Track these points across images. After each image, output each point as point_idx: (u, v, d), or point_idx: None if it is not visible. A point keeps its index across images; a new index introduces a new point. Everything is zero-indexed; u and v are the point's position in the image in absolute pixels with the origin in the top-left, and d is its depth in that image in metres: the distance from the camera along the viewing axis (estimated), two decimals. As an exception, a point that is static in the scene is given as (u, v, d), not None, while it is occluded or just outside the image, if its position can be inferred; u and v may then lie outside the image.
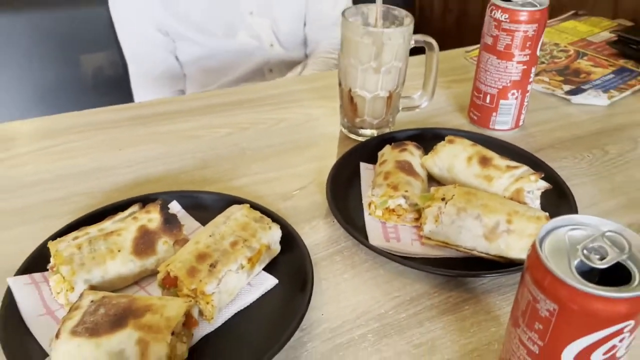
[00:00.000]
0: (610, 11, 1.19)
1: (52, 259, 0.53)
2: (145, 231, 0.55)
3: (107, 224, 0.56)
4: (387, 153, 0.68)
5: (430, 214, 0.58)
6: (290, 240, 0.58)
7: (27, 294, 0.51)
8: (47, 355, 0.47)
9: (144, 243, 0.55)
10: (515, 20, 0.71)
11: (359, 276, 0.58)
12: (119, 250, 0.54)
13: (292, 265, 0.56)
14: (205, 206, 0.63)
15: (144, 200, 0.60)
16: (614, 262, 0.35)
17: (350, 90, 0.74)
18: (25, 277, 0.53)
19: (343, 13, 0.72)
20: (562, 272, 0.34)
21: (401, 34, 0.70)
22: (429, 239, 0.59)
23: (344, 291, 0.56)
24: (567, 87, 0.89)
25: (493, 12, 0.72)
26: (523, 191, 0.62)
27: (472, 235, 0.57)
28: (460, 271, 0.57)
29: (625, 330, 0.34)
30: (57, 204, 0.64)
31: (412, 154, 0.68)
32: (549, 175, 0.65)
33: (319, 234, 0.62)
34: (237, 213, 0.58)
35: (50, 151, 0.76)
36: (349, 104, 0.75)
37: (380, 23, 0.72)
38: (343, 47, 0.73)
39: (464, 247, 0.57)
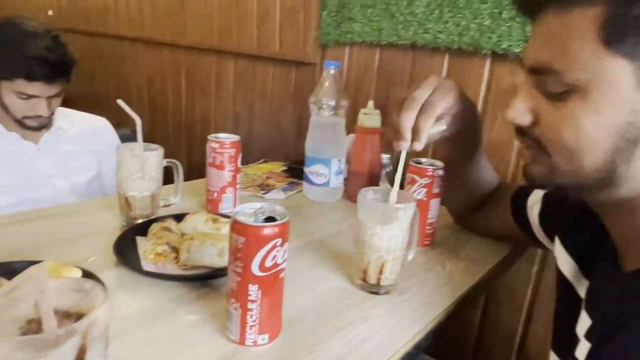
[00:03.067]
0: (283, 159, 1.51)
1: None
2: (-32, 284, 0.54)
3: None
4: (154, 225, 0.77)
5: (184, 247, 0.69)
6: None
7: None
8: None
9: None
10: (223, 147, 0.90)
11: (140, 293, 0.63)
12: None
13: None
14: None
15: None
16: (268, 215, 0.52)
17: (125, 194, 0.83)
18: None
19: (118, 147, 0.82)
20: (244, 220, 0.49)
21: (156, 155, 0.83)
22: (186, 265, 0.69)
23: (132, 307, 0.62)
24: (263, 191, 1.12)
25: (210, 144, 0.91)
26: (238, 231, 0.77)
27: (211, 256, 0.68)
28: (205, 274, 0.67)
29: (277, 244, 0.49)
30: None
31: (171, 223, 0.78)
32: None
33: (111, 277, 0.66)
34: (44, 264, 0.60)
35: None
36: (125, 203, 0.83)
37: (142, 150, 0.84)
38: (119, 166, 0.82)
39: (209, 264, 0.68)
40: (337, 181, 1.08)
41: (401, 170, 0.66)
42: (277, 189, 1.14)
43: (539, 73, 0.48)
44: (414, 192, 0.81)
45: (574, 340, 0.52)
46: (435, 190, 0.82)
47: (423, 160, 0.84)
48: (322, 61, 1.40)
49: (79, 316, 0.36)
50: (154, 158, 0.83)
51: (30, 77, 1.06)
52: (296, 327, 0.59)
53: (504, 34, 1.03)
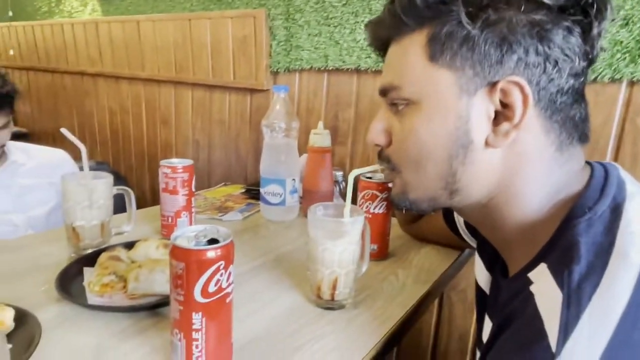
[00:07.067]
0: (242, 182, 1.44)
1: None
2: None
3: None
4: (103, 255, 0.68)
5: (132, 276, 0.61)
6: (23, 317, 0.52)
7: None
8: None
9: None
10: (175, 172, 0.83)
11: (81, 329, 0.55)
12: None
13: (24, 333, 0.50)
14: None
15: None
16: (210, 237, 0.45)
17: (72, 224, 0.73)
18: None
19: (63, 177, 0.73)
20: (183, 245, 0.42)
21: (104, 183, 0.75)
22: (135, 295, 0.61)
23: (69, 344, 0.53)
24: (221, 214, 1.04)
25: (163, 169, 0.83)
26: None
27: (161, 283, 0.60)
28: (150, 304, 0.58)
29: (221, 268, 0.43)
30: None
31: (120, 251, 0.69)
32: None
33: (52, 313, 0.57)
34: (-28, 305, 0.51)
35: None
36: (73, 234, 0.74)
37: (90, 179, 0.75)
38: (65, 196, 0.73)
39: (159, 292, 0.60)
40: (293, 200, 1.03)
41: (351, 187, 0.61)
42: (234, 211, 1.06)
43: (387, 93, 0.49)
44: (376, 207, 0.77)
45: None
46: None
47: (371, 175, 0.79)
48: (275, 88, 1.36)
49: None
50: (101, 186, 0.74)
51: None
52: (248, 353, 0.52)
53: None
